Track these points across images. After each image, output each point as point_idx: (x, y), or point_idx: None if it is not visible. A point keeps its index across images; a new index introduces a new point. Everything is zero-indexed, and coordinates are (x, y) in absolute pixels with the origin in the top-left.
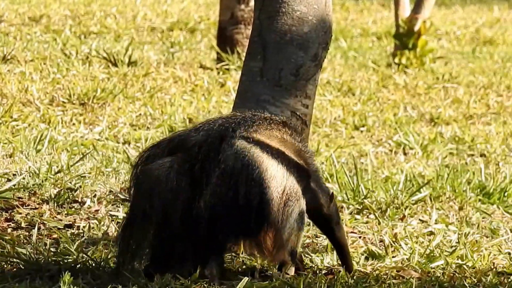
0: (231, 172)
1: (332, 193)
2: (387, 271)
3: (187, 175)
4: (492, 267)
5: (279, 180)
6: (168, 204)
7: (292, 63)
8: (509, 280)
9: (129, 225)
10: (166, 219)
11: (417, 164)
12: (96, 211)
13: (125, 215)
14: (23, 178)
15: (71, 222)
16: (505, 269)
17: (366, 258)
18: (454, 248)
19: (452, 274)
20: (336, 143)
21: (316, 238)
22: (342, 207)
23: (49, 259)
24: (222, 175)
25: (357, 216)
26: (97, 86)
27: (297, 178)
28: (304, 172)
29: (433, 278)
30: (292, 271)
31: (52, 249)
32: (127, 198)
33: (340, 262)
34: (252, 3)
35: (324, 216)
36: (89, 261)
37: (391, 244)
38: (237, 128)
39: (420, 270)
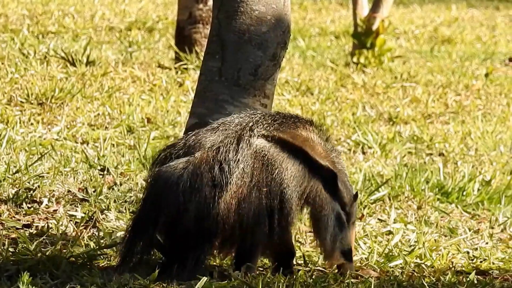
0: (251, 172)
1: (357, 192)
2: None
3: (203, 176)
4: (451, 266)
5: (300, 180)
6: (179, 206)
7: (251, 62)
8: (468, 279)
9: (136, 226)
10: (177, 221)
11: (375, 163)
12: (55, 211)
13: (131, 216)
14: None
15: (29, 222)
16: (463, 268)
17: (324, 265)
18: (412, 247)
19: (410, 273)
20: None
21: None
22: None
23: (8, 259)
24: (241, 175)
25: None
26: (55, 86)
27: (323, 180)
28: (330, 173)
29: (391, 278)
30: (352, 269)
31: (10, 249)
32: (86, 198)
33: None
34: (210, 3)
35: (346, 214)
36: (48, 261)
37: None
38: (255, 126)
39: (379, 269)
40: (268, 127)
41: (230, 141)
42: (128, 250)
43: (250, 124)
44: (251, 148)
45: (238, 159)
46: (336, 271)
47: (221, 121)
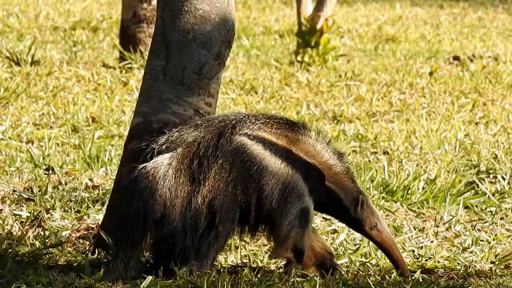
0: (230, 167)
1: (359, 196)
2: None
3: (186, 171)
4: None
5: (280, 178)
6: (166, 202)
7: (195, 61)
8: (413, 278)
9: (124, 225)
10: (165, 217)
11: None
12: (0, 210)
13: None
14: None
15: None
16: (408, 267)
17: (270, 256)
18: (357, 246)
19: (356, 272)
20: None
21: None
22: None
23: None
24: (220, 170)
25: None
26: (0, 86)
27: (304, 176)
28: (315, 171)
29: (337, 276)
30: (298, 268)
31: None
32: (31, 197)
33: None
34: (154, 2)
35: (352, 219)
36: None
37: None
38: (237, 125)
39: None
40: (252, 126)
41: (211, 137)
42: (117, 249)
43: (233, 122)
44: (232, 145)
45: (217, 155)
46: (282, 267)
47: (205, 119)
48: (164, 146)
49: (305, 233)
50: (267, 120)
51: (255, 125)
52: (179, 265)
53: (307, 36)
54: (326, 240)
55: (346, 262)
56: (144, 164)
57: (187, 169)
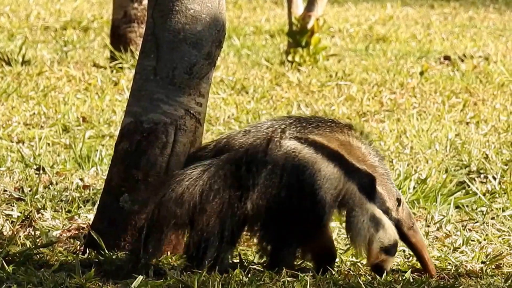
0: (280, 172)
1: (401, 197)
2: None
3: (228, 177)
4: None
5: (333, 183)
6: (195, 207)
7: (186, 61)
8: (403, 277)
9: (150, 227)
10: (197, 222)
11: None
12: None
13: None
14: None
15: None
16: (399, 267)
17: (261, 256)
18: (348, 245)
19: (346, 272)
20: None
21: None
22: None
23: None
24: (270, 175)
25: None
26: None
27: (359, 183)
28: (367, 176)
29: (327, 276)
30: (392, 263)
31: None
32: (22, 197)
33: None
34: (145, 2)
35: (393, 220)
36: None
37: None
38: (287, 129)
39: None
40: (302, 130)
41: (260, 142)
42: (141, 249)
43: (283, 127)
44: (282, 150)
45: (267, 160)
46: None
47: (254, 125)
48: (211, 153)
49: (383, 233)
50: (319, 123)
51: (307, 129)
52: (212, 268)
53: (298, 36)
54: None
55: (337, 262)
56: (181, 171)
57: (232, 175)
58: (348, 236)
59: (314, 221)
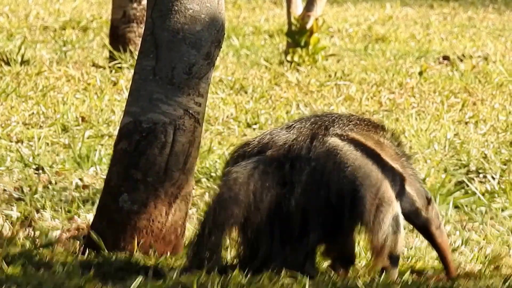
0: (322, 169)
1: (430, 196)
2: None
3: (274, 174)
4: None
5: (372, 180)
6: (250, 206)
7: (185, 61)
8: (402, 278)
9: (206, 226)
10: (248, 220)
11: None
12: None
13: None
14: None
15: None
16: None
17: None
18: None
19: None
20: (229, 141)
21: None
22: None
23: None
24: (313, 172)
25: None
26: None
27: (391, 181)
28: (398, 176)
29: (326, 277)
30: (394, 275)
31: None
32: (21, 197)
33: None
34: (144, 2)
35: (423, 220)
36: None
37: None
38: (330, 126)
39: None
40: (343, 127)
41: (303, 139)
42: (198, 249)
43: (326, 123)
44: (324, 147)
45: (310, 157)
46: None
47: (297, 120)
48: (256, 149)
49: (398, 238)
50: (358, 121)
51: (347, 126)
52: (263, 267)
53: (297, 36)
54: None
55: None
56: (231, 168)
57: (277, 172)
58: (366, 230)
59: (352, 218)
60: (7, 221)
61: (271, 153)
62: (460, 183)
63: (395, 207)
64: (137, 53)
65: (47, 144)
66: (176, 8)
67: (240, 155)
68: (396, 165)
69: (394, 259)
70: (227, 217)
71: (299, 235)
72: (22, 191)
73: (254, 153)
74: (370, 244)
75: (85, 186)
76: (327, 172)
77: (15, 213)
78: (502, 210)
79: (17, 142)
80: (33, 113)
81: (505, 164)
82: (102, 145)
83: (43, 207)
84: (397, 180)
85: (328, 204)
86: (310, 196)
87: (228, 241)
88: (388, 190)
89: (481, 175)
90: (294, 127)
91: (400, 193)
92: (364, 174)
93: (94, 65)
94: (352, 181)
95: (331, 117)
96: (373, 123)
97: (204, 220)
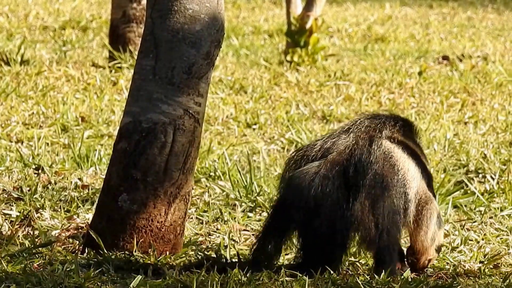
0: (382, 173)
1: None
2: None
3: (335, 179)
4: None
5: (417, 181)
6: (312, 210)
7: (185, 61)
8: (402, 277)
9: (268, 230)
10: (309, 225)
11: None
12: None
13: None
14: None
15: None
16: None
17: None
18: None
19: (345, 272)
20: (229, 141)
21: (209, 236)
22: (235, 205)
23: None
24: (375, 176)
25: (250, 214)
26: None
27: (427, 181)
28: (430, 175)
29: (325, 276)
30: (434, 258)
31: None
32: (21, 197)
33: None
34: (144, 2)
35: None
36: None
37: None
38: (382, 128)
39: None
40: (392, 129)
41: (363, 143)
42: (259, 252)
43: (379, 126)
44: (381, 150)
45: (371, 161)
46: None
47: (351, 123)
48: (318, 154)
49: (441, 232)
50: (402, 122)
51: (395, 128)
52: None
53: (297, 35)
54: None
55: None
56: (292, 173)
57: (338, 177)
58: (416, 228)
59: (403, 220)
60: (7, 220)
61: (333, 158)
62: (459, 183)
63: (437, 206)
64: (136, 53)
65: (47, 144)
66: (176, 8)
67: (302, 158)
68: (428, 166)
69: (439, 249)
70: (287, 221)
71: (362, 237)
72: (22, 191)
73: (316, 158)
74: (417, 242)
75: (84, 186)
76: (385, 175)
77: (14, 213)
78: (501, 210)
79: (17, 142)
80: (33, 113)
81: (504, 164)
82: (101, 145)
83: (43, 207)
84: (431, 180)
85: (391, 205)
86: (374, 199)
87: (228, 240)
88: (428, 189)
89: (480, 175)
90: (351, 130)
91: (433, 192)
92: (412, 176)
93: (93, 65)
94: (404, 184)
95: (381, 119)
96: (408, 123)
97: (265, 224)
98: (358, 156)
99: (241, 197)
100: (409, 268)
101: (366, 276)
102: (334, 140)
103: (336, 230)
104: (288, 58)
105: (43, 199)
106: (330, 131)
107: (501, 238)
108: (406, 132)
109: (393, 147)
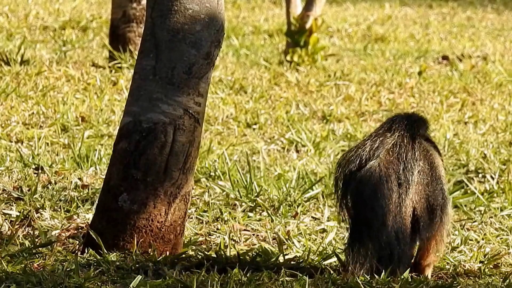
0: (424, 170)
1: None
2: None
3: (390, 176)
4: None
5: (443, 179)
6: (384, 208)
7: (185, 61)
8: (402, 277)
9: (352, 234)
10: (384, 223)
11: (309, 161)
12: None
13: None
14: None
15: None
16: None
17: (259, 255)
18: (346, 245)
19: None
20: (229, 141)
21: (209, 236)
22: (235, 204)
23: None
24: (420, 173)
25: (250, 214)
26: None
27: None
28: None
29: (326, 275)
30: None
31: None
32: (21, 197)
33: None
34: (144, 2)
35: None
36: None
37: (284, 242)
38: (419, 127)
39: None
40: (423, 127)
41: (407, 141)
42: (351, 256)
43: (416, 125)
44: (422, 148)
45: (416, 158)
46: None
47: (391, 121)
48: (371, 153)
49: (449, 227)
50: (426, 122)
51: (424, 127)
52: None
53: (297, 35)
54: (315, 240)
55: (335, 262)
56: (360, 173)
57: (393, 174)
58: (439, 225)
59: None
60: (7, 220)
61: (385, 156)
62: (459, 183)
63: (450, 200)
64: (137, 53)
65: (47, 144)
66: (176, 8)
67: (356, 157)
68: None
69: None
70: (374, 219)
71: (411, 234)
72: (22, 191)
73: (370, 157)
74: (435, 245)
75: (84, 186)
76: (425, 172)
77: (14, 213)
78: (501, 210)
79: (17, 142)
80: (33, 113)
81: (504, 164)
82: (101, 145)
83: (43, 207)
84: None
85: (430, 202)
86: (420, 195)
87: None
88: (446, 187)
89: (480, 175)
90: (394, 129)
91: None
92: (440, 173)
93: (94, 65)
94: (441, 181)
95: (415, 118)
96: (425, 121)
97: (351, 224)
98: (405, 154)
99: (241, 197)
100: (408, 269)
101: (365, 276)
102: (381, 139)
103: (397, 229)
104: (288, 58)
105: (43, 199)
106: (374, 130)
107: (501, 238)
108: (428, 131)
109: (427, 145)
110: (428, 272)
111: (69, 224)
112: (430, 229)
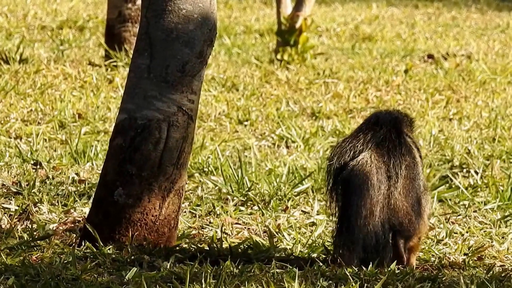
0: (409, 165)
1: None
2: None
3: (382, 169)
4: None
5: (422, 174)
6: (374, 198)
7: (178, 60)
8: (389, 269)
9: (346, 221)
10: (372, 212)
11: (299, 157)
12: None
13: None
14: None
15: None
16: None
17: (251, 248)
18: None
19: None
20: (221, 137)
21: (202, 229)
22: (227, 199)
23: None
24: (407, 167)
25: (242, 208)
26: None
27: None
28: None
29: (315, 267)
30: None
31: None
32: (19, 191)
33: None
34: (139, 2)
35: None
36: None
37: (274, 235)
38: (403, 123)
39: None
40: (406, 126)
41: (395, 136)
42: (339, 245)
43: (400, 121)
44: (407, 144)
45: (403, 152)
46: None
47: (377, 115)
48: (364, 145)
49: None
50: (410, 119)
51: (407, 122)
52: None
53: (287, 35)
54: (305, 233)
55: (324, 254)
56: (353, 162)
57: (384, 166)
58: (422, 215)
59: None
60: (6, 214)
61: (376, 149)
62: (444, 178)
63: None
64: (132, 52)
65: (45, 140)
66: (170, 8)
67: (351, 147)
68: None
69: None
70: (362, 209)
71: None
72: (20, 185)
73: (364, 149)
74: (418, 226)
75: (81, 181)
76: (410, 167)
77: (13, 207)
78: (485, 204)
79: (15, 138)
80: (31, 110)
81: (487, 159)
82: (98, 141)
83: (41, 201)
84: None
85: (414, 197)
86: (408, 189)
87: (220, 233)
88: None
89: (464, 170)
90: (382, 125)
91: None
92: (420, 169)
93: (90, 63)
94: (420, 177)
95: (399, 115)
96: (412, 120)
97: (345, 211)
98: (394, 148)
99: (233, 192)
100: (395, 261)
101: (353, 268)
102: (372, 133)
103: (384, 219)
104: (279, 56)
105: (41, 193)
106: (361, 123)
107: (484, 231)
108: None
109: (410, 141)
110: (413, 259)
111: (66, 218)
112: (414, 223)
